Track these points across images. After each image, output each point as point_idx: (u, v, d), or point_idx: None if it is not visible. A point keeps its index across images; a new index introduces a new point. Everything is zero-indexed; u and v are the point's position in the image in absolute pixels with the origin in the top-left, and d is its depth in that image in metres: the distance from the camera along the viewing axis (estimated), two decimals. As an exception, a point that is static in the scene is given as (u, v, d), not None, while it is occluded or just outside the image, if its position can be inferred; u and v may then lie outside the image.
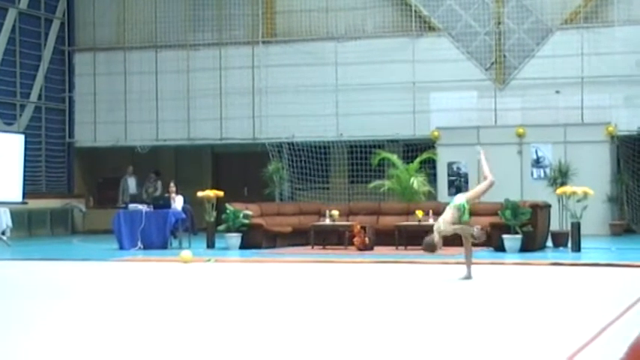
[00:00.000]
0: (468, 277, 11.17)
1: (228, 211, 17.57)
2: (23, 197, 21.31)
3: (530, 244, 15.97)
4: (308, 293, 10.15)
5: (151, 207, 18.28)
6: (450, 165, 21.69)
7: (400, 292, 10.16)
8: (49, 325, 7.86)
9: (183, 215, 18.03)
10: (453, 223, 10.90)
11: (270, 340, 6.88)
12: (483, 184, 11.46)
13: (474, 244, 11.48)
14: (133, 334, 7.28)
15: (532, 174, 21.81)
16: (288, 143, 23.94)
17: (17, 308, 9.03)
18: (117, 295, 10.15)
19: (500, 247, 15.96)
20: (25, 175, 21.50)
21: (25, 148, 21.76)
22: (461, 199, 11.10)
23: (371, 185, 21.67)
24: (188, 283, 11.79)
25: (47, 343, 6.82)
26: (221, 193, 18.33)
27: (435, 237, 10.87)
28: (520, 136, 21.97)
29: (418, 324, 7.68)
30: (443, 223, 10.88)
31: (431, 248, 10.94)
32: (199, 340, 6.88)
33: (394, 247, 16.56)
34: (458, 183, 21.30)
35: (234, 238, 17.38)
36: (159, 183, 24.30)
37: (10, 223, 22.62)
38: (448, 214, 10.94)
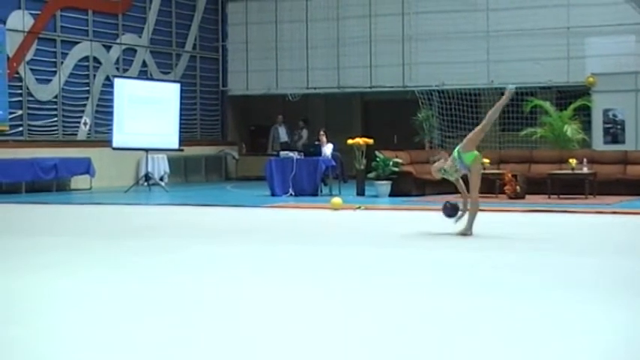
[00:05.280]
0: (466, 232, 10.38)
1: (377, 159, 17.65)
2: (179, 144, 21.97)
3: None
4: (457, 240, 10.15)
5: (301, 154, 18.57)
6: (605, 112, 21.02)
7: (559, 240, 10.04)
8: (221, 264, 8.18)
9: (334, 162, 18.25)
10: (456, 171, 10.57)
11: (417, 283, 6.96)
12: (477, 128, 10.67)
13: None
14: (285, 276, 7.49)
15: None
16: (438, 90, 23.75)
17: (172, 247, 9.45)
18: (273, 238, 10.44)
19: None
20: (181, 123, 22.14)
21: (181, 97, 22.36)
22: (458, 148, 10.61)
23: (522, 133, 21.30)
24: (340, 228, 11.98)
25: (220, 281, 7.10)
26: (371, 141, 18.40)
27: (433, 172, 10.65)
28: (682, 81, 21.07)
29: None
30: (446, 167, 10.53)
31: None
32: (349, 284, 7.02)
33: (546, 196, 16.29)
34: (614, 130, 20.63)
35: (384, 186, 17.47)
36: (304, 131, 24.61)
37: (167, 170, 23.54)
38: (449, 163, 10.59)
